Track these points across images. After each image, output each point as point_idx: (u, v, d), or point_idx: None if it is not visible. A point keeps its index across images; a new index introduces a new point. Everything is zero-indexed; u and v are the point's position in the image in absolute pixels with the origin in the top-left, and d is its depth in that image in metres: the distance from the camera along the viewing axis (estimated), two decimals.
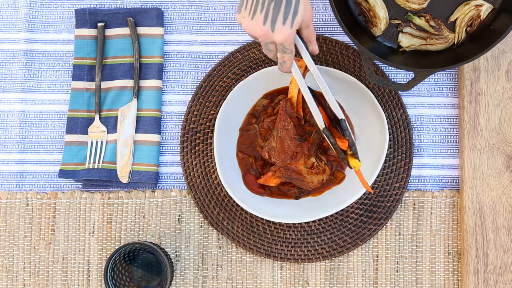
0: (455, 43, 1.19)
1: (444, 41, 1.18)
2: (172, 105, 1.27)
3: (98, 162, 1.24)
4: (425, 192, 1.24)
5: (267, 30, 0.99)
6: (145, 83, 1.26)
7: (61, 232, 1.24)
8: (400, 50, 1.20)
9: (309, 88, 1.11)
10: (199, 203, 1.23)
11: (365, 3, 1.19)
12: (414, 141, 1.25)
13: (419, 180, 1.24)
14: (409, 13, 1.19)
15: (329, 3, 1.27)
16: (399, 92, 1.25)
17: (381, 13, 1.19)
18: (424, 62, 1.17)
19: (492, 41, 1.11)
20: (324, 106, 1.21)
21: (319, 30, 1.27)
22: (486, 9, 1.17)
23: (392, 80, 1.26)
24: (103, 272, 1.20)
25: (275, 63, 1.25)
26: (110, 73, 1.27)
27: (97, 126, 1.26)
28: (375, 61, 1.25)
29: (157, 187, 1.25)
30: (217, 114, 1.24)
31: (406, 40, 1.19)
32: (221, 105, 1.24)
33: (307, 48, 1.07)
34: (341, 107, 1.23)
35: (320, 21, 1.28)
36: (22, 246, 1.24)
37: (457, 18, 1.18)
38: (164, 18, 1.28)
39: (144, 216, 1.24)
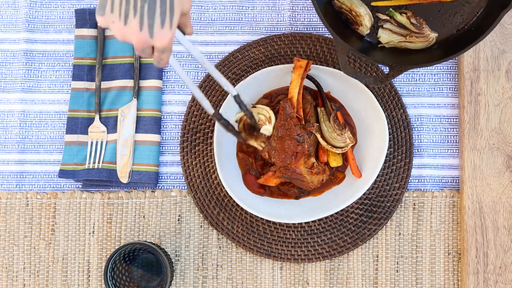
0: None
1: (424, 40, 1.16)
2: (172, 105, 1.27)
3: (98, 162, 1.24)
4: (425, 192, 1.24)
5: (145, 37, 0.87)
6: (145, 83, 1.26)
7: (61, 232, 1.24)
8: (379, 46, 1.18)
9: (308, 86, 1.10)
10: (199, 203, 1.23)
11: (345, 5, 1.18)
12: (414, 141, 1.25)
13: (419, 180, 1.24)
14: (391, 9, 1.18)
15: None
16: (399, 91, 1.25)
17: (361, 10, 1.17)
18: (402, 60, 1.14)
19: (469, 43, 1.10)
20: (325, 101, 1.21)
21: (319, 30, 1.27)
22: None
23: (392, 80, 1.26)
24: (103, 272, 1.20)
25: (275, 63, 1.25)
26: (110, 73, 1.27)
27: (97, 126, 1.26)
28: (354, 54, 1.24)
29: (157, 187, 1.25)
30: None
31: (386, 36, 1.18)
32: (221, 105, 1.24)
33: (183, 33, 0.94)
34: (342, 106, 1.23)
35: (319, 21, 1.28)
36: (22, 246, 1.24)
37: None
38: None
39: (144, 216, 1.24)
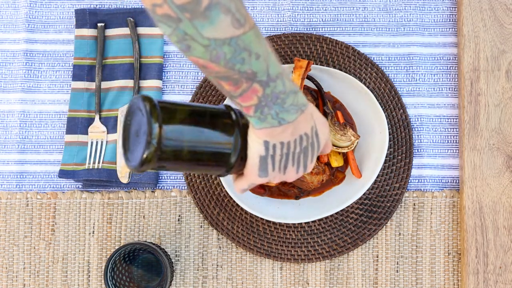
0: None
1: None
2: None
3: (98, 162, 1.24)
4: (425, 192, 1.24)
5: (298, 176, 0.98)
6: (145, 83, 1.26)
7: (61, 232, 1.24)
8: None
9: (308, 86, 1.11)
10: (199, 203, 1.23)
11: None
12: (414, 141, 1.25)
13: (419, 180, 1.24)
14: None
15: (329, 2, 1.28)
16: (399, 91, 1.25)
17: None
18: None
19: None
20: (325, 101, 1.21)
21: (319, 30, 1.27)
22: None
23: (392, 80, 1.26)
24: (103, 272, 1.20)
25: None
26: (110, 73, 1.27)
27: (97, 126, 1.26)
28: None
29: (157, 187, 1.25)
30: None
31: None
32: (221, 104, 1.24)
33: None
34: (342, 105, 1.23)
35: (320, 21, 1.28)
36: (22, 246, 1.24)
37: None
38: None
39: (144, 216, 1.24)
